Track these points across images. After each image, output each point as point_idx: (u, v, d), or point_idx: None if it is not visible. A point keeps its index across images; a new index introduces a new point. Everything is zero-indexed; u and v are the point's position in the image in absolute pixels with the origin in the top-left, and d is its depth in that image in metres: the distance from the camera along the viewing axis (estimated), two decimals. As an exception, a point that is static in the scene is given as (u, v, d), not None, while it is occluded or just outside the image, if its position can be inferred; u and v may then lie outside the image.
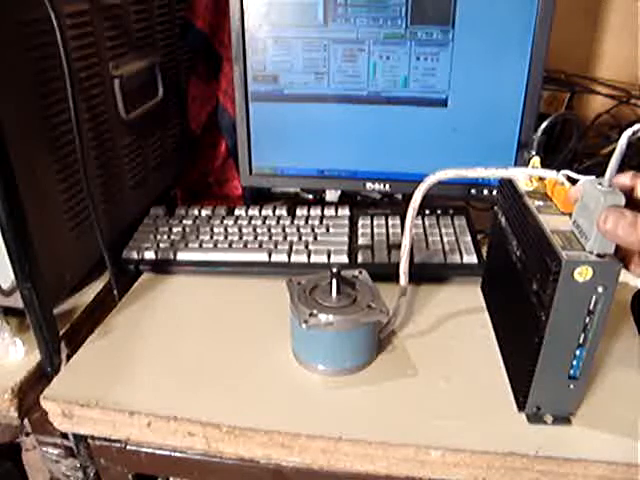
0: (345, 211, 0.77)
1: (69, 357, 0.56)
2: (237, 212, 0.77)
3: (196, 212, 0.78)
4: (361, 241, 0.71)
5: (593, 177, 0.42)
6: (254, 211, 0.77)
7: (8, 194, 0.46)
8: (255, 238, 0.71)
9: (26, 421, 0.56)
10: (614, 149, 0.39)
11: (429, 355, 0.56)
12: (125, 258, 0.69)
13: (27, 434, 0.61)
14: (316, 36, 0.69)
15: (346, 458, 0.48)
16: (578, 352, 0.44)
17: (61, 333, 0.56)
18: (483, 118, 0.69)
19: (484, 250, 0.66)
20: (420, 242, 0.69)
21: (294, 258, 0.67)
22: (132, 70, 0.69)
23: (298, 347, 0.55)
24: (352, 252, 0.69)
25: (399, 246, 0.56)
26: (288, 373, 0.54)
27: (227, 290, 0.66)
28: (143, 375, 0.54)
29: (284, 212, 0.77)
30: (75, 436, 0.56)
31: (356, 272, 0.57)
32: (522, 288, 0.47)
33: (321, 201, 0.86)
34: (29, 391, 0.53)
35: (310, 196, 0.88)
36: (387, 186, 0.74)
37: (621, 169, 0.41)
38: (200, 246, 0.70)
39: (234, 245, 0.70)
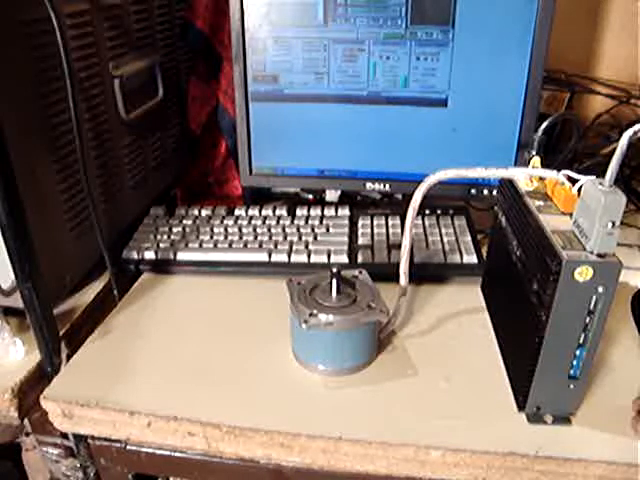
0: (345, 211, 0.77)
1: (69, 357, 0.55)
2: (237, 212, 0.77)
3: (196, 212, 0.78)
4: (361, 241, 0.71)
5: (594, 177, 0.42)
6: (254, 211, 0.77)
7: (8, 194, 0.46)
8: (255, 238, 0.71)
9: (26, 421, 0.56)
10: (614, 149, 0.39)
11: (429, 355, 0.56)
12: (125, 258, 0.69)
13: (27, 434, 0.61)
14: (316, 36, 0.69)
15: (346, 458, 0.48)
16: (578, 352, 0.44)
17: (61, 333, 0.56)
18: (483, 118, 0.69)
19: (484, 250, 0.66)
20: (420, 242, 0.69)
21: (294, 258, 0.67)
22: (132, 70, 0.69)
23: (298, 347, 0.55)
24: (352, 252, 0.69)
25: (399, 246, 0.56)
26: (288, 373, 0.54)
27: (227, 290, 0.66)
28: (143, 375, 0.54)
29: (284, 212, 0.77)
30: (75, 436, 0.56)
31: (356, 272, 0.57)
32: (522, 288, 0.47)
33: (321, 201, 0.86)
34: (29, 391, 0.53)
35: (310, 196, 0.88)
36: (387, 186, 0.74)
37: (621, 169, 0.41)
38: (200, 246, 0.70)
39: (234, 245, 0.70)
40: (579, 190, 0.44)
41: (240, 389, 0.52)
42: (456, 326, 0.60)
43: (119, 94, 0.67)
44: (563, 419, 0.47)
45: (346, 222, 0.74)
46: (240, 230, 0.73)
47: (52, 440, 0.59)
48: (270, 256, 0.68)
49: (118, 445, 0.54)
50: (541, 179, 0.50)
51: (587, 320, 0.42)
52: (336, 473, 0.50)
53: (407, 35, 0.67)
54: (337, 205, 0.78)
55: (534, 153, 0.53)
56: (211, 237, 0.71)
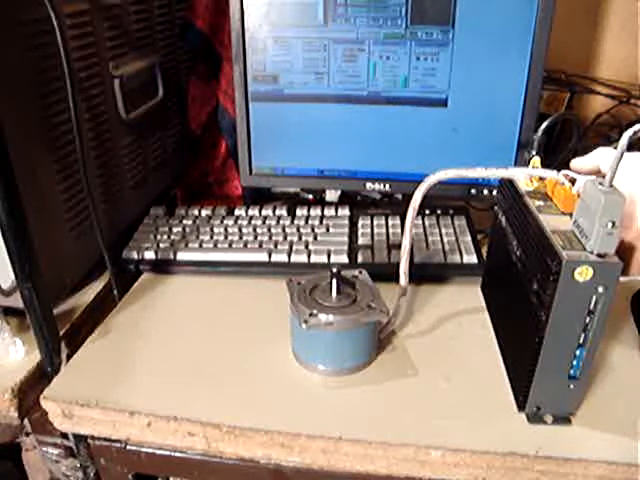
0: (345, 211, 0.77)
1: (69, 357, 0.55)
2: (237, 212, 0.77)
3: (196, 212, 0.78)
4: (361, 241, 0.71)
5: (594, 177, 0.42)
6: (254, 211, 0.77)
7: (8, 194, 0.46)
8: (255, 238, 0.71)
9: (26, 421, 0.56)
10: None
11: (429, 355, 0.56)
12: (125, 258, 0.69)
13: (27, 434, 0.61)
14: (316, 36, 0.69)
15: (346, 458, 0.48)
16: (578, 352, 0.44)
17: (61, 333, 0.56)
18: (483, 118, 0.69)
19: (484, 250, 0.66)
20: (420, 242, 0.69)
21: (294, 258, 0.67)
22: (132, 70, 0.69)
23: (298, 347, 0.55)
24: (352, 252, 0.69)
25: (399, 246, 0.56)
26: (288, 373, 0.54)
27: (227, 290, 0.66)
28: (143, 375, 0.54)
29: (284, 212, 0.77)
30: (75, 436, 0.56)
31: (356, 272, 0.57)
32: (522, 288, 0.47)
33: (321, 201, 0.86)
34: (29, 391, 0.53)
35: (310, 196, 0.88)
36: (387, 186, 0.74)
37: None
38: (200, 246, 0.70)
39: (234, 245, 0.70)
40: (579, 190, 0.44)
41: (240, 389, 0.52)
42: (456, 326, 0.60)
43: (119, 94, 0.67)
44: (563, 419, 0.47)
45: (346, 222, 0.74)
46: (240, 230, 0.73)
47: (52, 440, 0.59)
48: (270, 256, 0.67)
49: (118, 445, 0.54)
50: (541, 179, 0.50)
51: (587, 320, 0.42)
52: (336, 473, 0.50)
53: (407, 35, 0.67)
54: (337, 205, 0.78)
55: (534, 153, 0.53)
56: (211, 237, 0.71)
